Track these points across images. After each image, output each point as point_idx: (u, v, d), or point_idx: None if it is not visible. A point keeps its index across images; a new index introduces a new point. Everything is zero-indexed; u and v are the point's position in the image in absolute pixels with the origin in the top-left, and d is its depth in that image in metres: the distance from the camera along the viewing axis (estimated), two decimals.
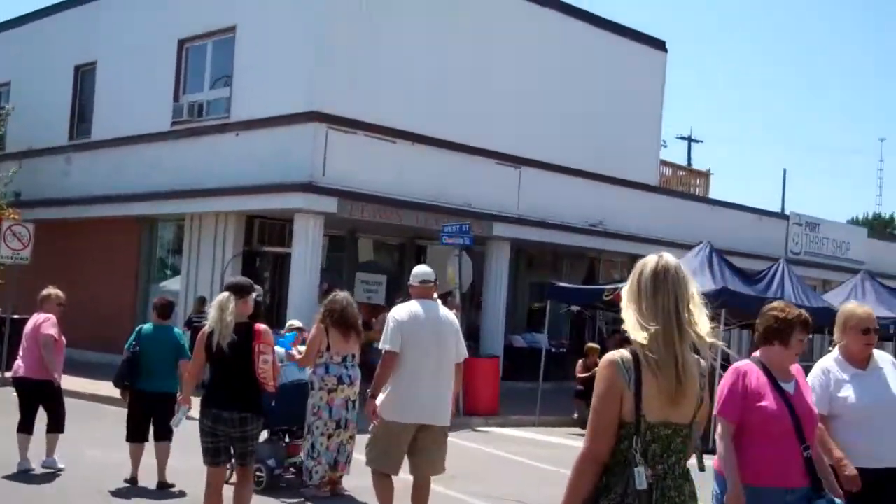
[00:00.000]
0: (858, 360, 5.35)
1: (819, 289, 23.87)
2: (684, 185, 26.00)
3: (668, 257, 3.37)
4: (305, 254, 16.91)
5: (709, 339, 3.28)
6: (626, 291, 3.37)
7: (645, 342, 3.21)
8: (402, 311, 7.04)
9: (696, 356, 3.29)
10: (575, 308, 23.21)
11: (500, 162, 20.09)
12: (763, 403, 4.58)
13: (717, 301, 13.95)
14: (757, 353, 4.83)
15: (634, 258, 22.28)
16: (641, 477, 3.15)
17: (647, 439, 3.19)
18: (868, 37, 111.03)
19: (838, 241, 29.28)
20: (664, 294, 3.26)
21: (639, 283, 3.32)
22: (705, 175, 27.14)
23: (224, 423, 6.51)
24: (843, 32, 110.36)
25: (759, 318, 4.82)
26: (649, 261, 3.37)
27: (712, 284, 14.32)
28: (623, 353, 3.25)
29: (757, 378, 4.68)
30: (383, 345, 6.94)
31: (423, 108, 19.42)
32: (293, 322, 10.57)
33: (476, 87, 20.44)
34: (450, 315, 7.34)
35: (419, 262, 20.24)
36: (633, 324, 3.27)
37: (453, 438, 12.62)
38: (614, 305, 14.83)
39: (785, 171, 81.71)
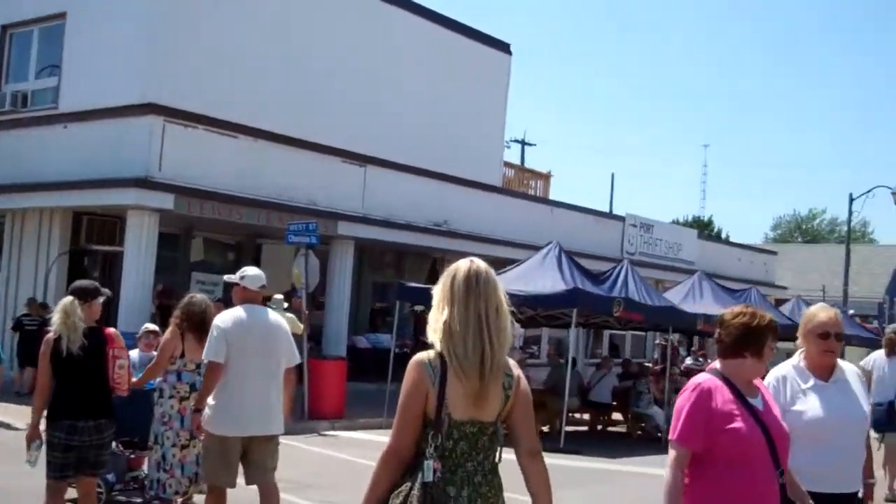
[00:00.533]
0: (819, 369, 4.69)
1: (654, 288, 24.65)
2: (525, 186, 26.30)
3: (479, 262, 3.48)
4: (139, 253, 16.05)
5: (511, 341, 3.46)
6: (436, 293, 3.43)
7: (449, 344, 3.32)
8: (226, 318, 6.78)
9: (507, 359, 3.43)
10: (419, 308, 23.18)
11: (345, 160, 19.71)
12: (734, 425, 3.91)
13: (569, 301, 14.13)
14: (716, 365, 4.14)
15: (481, 258, 22.71)
16: (429, 470, 3.24)
17: (454, 437, 3.30)
18: (695, 47, 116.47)
19: (670, 241, 30.36)
20: (475, 298, 3.35)
21: (452, 286, 3.40)
22: (545, 177, 27.55)
23: (81, 434, 6.30)
24: (672, 42, 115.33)
25: (720, 326, 4.15)
26: (461, 265, 3.45)
27: (563, 285, 14.47)
28: (430, 354, 3.35)
29: (723, 395, 4.00)
30: (206, 356, 6.70)
31: (268, 104, 18.87)
32: (148, 325, 9.90)
33: (322, 84, 20.03)
34: (280, 319, 7.09)
35: (257, 261, 19.69)
36: (440, 326, 3.36)
37: (298, 444, 12.39)
38: None
39: (613, 175, 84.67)
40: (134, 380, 7.91)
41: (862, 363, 10.64)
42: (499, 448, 3.41)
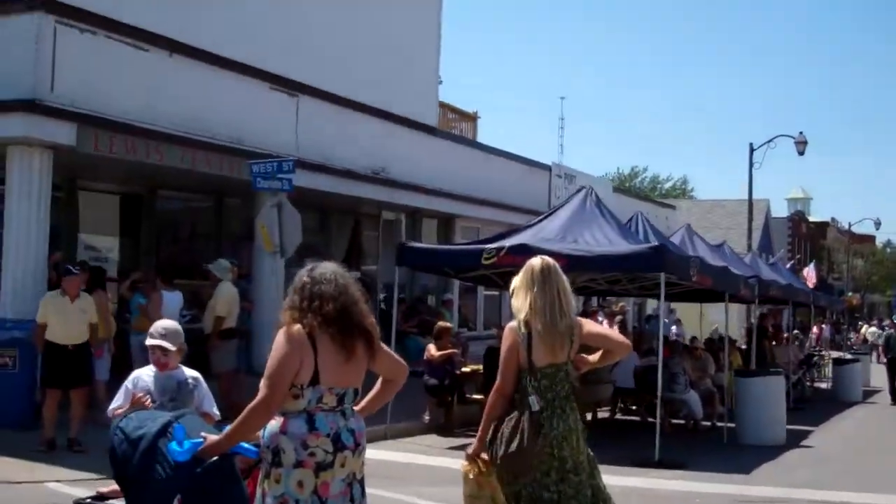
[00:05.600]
0: None
1: None
2: (451, 128, 22.66)
3: (547, 259, 5.03)
4: (28, 206, 11.46)
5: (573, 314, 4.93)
6: (518, 281, 4.96)
7: (533, 315, 4.81)
8: None
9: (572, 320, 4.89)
10: (355, 274, 19.27)
11: (274, 86, 15.51)
12: None
13: (654, 263, 10.77)
14: None
15: (414, 213, 18.56)
16: (535, 403, 4.74)
17: (538, 377, 4.78)
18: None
19: None
20: (550, 284, 4.88)
21: (531, 276, 4.91)
22: (472, 118, 24.00)
23: None
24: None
25: None
26: (536, 262, 4.97)
27: (624, 241, 11.16)
28: (518, 322, 4.86)
29: None
30: None
31: (179, 10, 14.42)
32: (166, 325, 5.63)
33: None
34: None
35: (154, 216, 15.31)
36: (527, 303, 4.85)
37: None
38: (496, 268, 11.13)
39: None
40: (208, 439, 4.03)
41: None
42: (569, 380, 4.88)
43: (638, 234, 12.42)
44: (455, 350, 13.01)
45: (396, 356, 4.44)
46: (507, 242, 10.86)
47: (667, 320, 26.20)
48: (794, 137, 32.87)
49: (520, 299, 4.87)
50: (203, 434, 4.15)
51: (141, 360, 11.31)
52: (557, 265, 4.92)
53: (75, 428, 9.82)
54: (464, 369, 13.26)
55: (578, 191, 12.81)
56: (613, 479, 9.49)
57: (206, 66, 14.11)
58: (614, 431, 13.40)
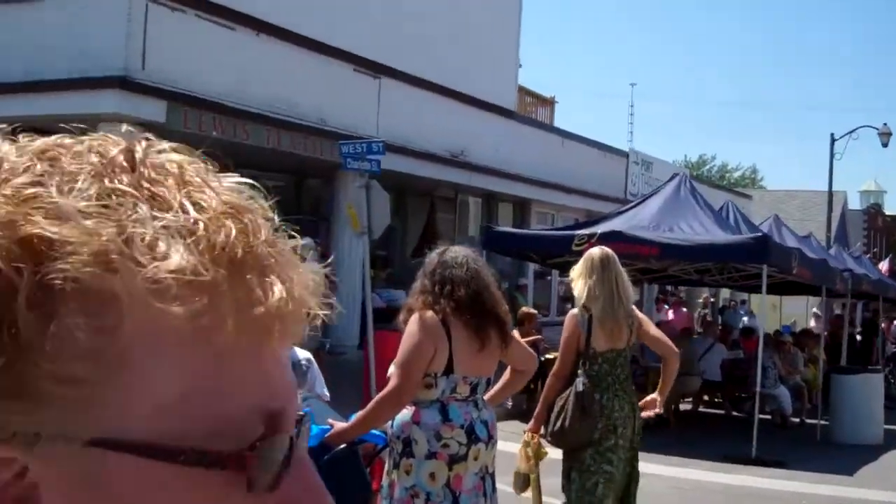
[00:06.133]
0: None
1: None
2: (529, 113, 22.35)
3: (606, 249, 5.24)
4: None
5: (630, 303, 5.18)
6: (578, 270, 5.14)
7: (594, 303, 4.98)
8: None
9: (631, 307, 5.16)
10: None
11: (358, 69, 15.40)
12: None
13: (758, 253, 10.40)
14: None
15: (490, 197, 18.27)
16: (580, 384, 4.97)
17: (598, 361, 5.02)
18: None
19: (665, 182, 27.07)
20: (608, 273, 5.01)
21: (591, 265, 5.05)
22: (550, 103, 23.65)
23: None
24: None
25: None
26: (595, 251, 5.18)
27: (721, 231, 10.80)
28: (579, 309, 5.09)
29: None
30: None
31: None
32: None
33: None
34: None
35: None
36: (586, 291, 5.02)
37: None
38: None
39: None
40: (336, 426, 3.88)
41: None
42: (628, 365, 5.20)
43: (730, 224, 12.02)
44: (540, 336, 12.79)
45: (526, 345, 4.24)
46: (599, 229, 10.59)
47: (742, 311, 25.68)
48: (877, 128, 32.00)
49: (579, 287, 5.12)
50: (330, 420, 4.00)
51: None
52: (615, 255, 5.16)
53: None
54: (547, 356, 13.02)
55: (672, 178, 12.47)
56: (710, 475, 9.25)
57: (292, 46, 14.03)
58: (698, 424, 13.07)
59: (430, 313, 3.89)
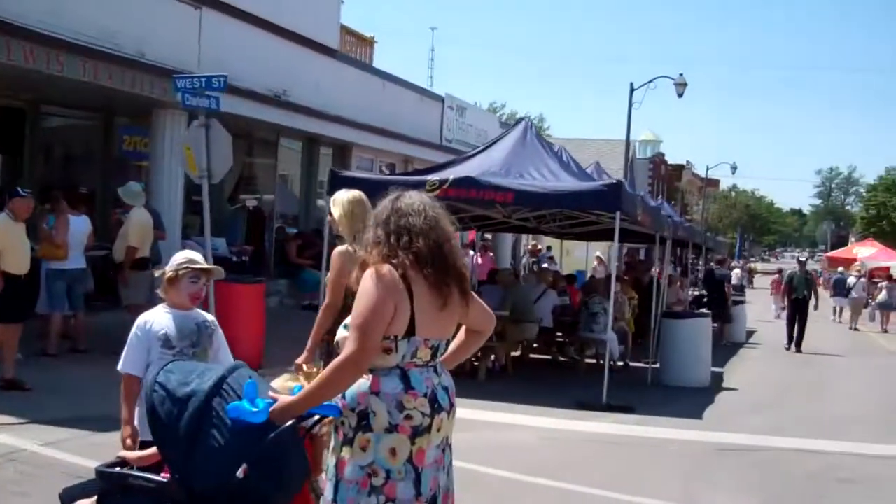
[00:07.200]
0: None
1: None
2: (350, 52, 21.65)
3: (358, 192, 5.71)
4: None
5: None
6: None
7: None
8: None
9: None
10: (252, 203, 18.42)
11: None
12: None
13: (610, 201, 10.44)
14: None
15: (311, 141, 17.75)
16: None
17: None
18: None
19: (478, 128, 27.22)
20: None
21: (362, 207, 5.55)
22: (370, 43, 23.00)
23: None
24: None
25: None
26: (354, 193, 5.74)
27: (571, 178, 10.85)
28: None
29: None
30: None
31: None
32: (188, 255, 4.72)
33: None
34: None
35: (38, 132, 14.00)
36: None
37: None
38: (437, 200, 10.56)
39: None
40: (280, 399, 3.46)
41: None
42: None
43: (573, 169, 12.06)
44: None
45: (485, 304, 3.88)
46: (451, 174, 10.31)
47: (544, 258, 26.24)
48: (673, 79, 33.38)
49: (343, 225, 5.66)
50: (272, 394, 3.52)
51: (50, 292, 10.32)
52: (364, 196, 5.58)
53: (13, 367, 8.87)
54: None
55: (517, 122, 12.34)
56: (570, 423, 9.27)
57: None
58: (531, 371, 13.20)
59: (387, 268, 3.46)
